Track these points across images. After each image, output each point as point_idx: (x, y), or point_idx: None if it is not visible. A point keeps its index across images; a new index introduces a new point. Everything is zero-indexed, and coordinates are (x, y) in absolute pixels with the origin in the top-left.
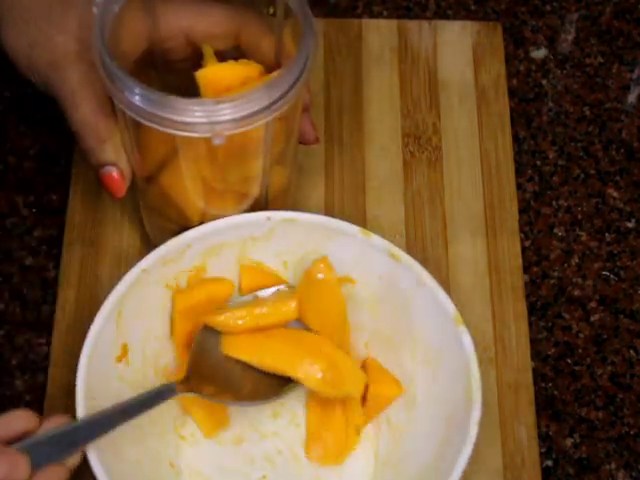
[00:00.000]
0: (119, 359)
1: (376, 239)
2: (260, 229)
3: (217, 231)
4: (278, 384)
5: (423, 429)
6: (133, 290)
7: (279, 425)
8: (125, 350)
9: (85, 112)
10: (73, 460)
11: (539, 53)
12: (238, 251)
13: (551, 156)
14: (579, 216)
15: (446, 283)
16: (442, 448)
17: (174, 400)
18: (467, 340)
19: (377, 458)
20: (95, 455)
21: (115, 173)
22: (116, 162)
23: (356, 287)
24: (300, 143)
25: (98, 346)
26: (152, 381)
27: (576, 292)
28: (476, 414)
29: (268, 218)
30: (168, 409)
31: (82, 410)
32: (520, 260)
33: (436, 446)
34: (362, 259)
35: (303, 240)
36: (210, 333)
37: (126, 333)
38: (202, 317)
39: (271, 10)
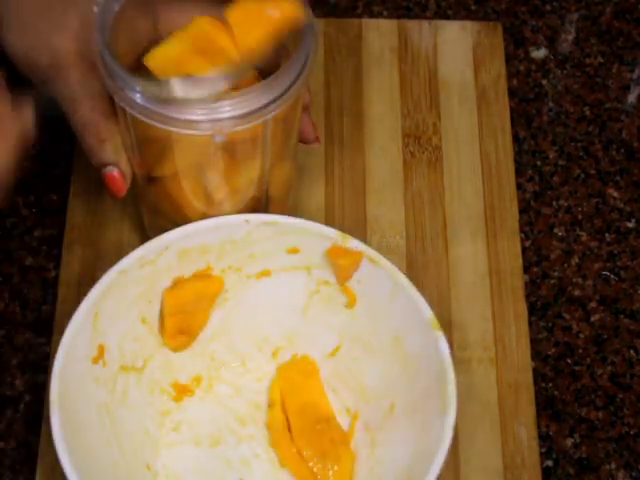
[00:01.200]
0: (95, 360)
1: (354, 242)
2: (238, 232)
3: (195, 233)
4: None
5: (400, 434)
6: (110, 292)
7: (256, 428)
8: (102, 351)
9: (85, 112)
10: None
11: (539, 53)
12: (216, 254)
13: (551, 156)
14: (579, 216)
15: (446, 283)
16: (418, 453)
17: (149, 401)
18: (443, 345)
19: (355, 462)
20: (68, 460)
21: (116, 173)
22: (117, 162)
23: (335, 290)
24: (300, 142)
25: (73, 347)
26: (128, 383)
27: (576, 292)
28: (450, 420)
29: (246, 221)
30: (144, 410)
31: (55, 411)
32: (520, 260)
33: (412, 451)
34: None
35: (281, 243)
36: None
37: (103, 334)
38: (191, 315)
39: None
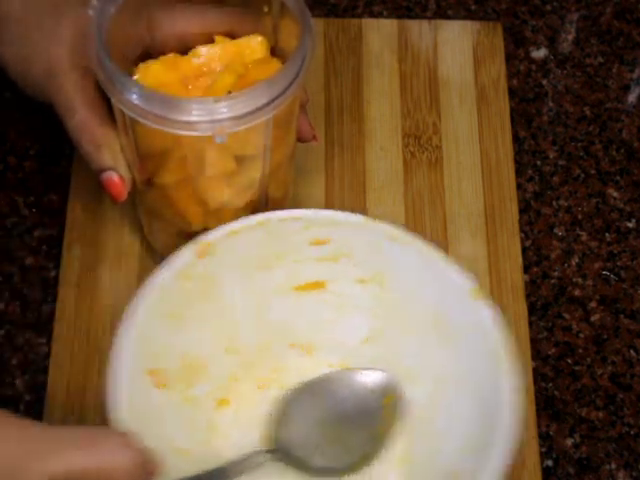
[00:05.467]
0: (154, 384)
1: (379, 224)
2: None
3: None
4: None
5: (454, 405)
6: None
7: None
8: (155, 373)
9: (81, 118)
10: None
11: (539, 53)
12: None
13: (551, 156)
14: (579, 216)
15: None
16: (480, 417)
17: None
18: (486, 314)
19: (402, 460)
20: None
21: (115, 177)
22: (115, 167)
23: (364, 276)
24: (298, 141)
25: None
26: (191, 403)
27: (576, 292)
28: (511, 382)
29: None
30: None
31: None
32: (520, 260)
33: (475, 416)
34: (366, 246)
35: (305, 237)
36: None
37: (153, 355)
38: None
39: (266, 9)
